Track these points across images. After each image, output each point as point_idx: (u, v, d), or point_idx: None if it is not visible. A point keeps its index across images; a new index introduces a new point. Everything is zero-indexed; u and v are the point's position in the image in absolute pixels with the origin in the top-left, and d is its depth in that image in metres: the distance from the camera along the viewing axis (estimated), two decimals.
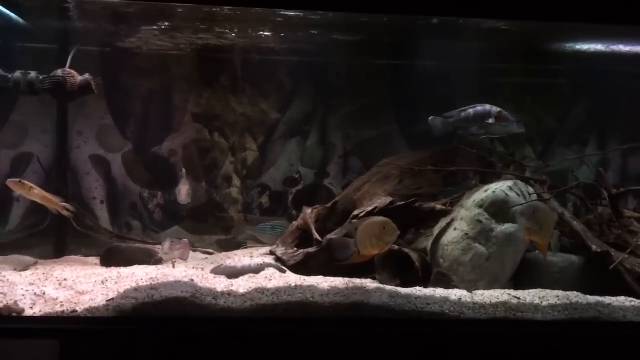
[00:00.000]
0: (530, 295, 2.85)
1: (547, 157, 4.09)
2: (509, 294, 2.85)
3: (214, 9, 3.01)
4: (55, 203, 3.23)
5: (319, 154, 4.13)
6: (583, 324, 2.75)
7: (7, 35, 3.21)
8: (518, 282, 3.12)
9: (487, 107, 3.25)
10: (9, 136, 3.78)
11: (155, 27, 3.46)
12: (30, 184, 3.19)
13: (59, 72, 3.26)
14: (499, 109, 3.25)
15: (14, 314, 2.58)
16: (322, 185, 4.12)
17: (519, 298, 2.80)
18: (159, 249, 3.38)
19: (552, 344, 2.75)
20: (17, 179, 3.18)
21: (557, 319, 2.73)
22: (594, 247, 3.07)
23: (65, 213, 3.28)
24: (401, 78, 4.05)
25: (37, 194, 3.20)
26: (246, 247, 3.92)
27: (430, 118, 3.33)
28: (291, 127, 4.11)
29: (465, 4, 2.70)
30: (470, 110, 3.27)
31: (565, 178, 3.94)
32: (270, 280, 2.95)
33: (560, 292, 2.89)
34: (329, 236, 3.33)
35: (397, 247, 3.10)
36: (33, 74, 3.24)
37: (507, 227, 3.09)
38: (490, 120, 3.21)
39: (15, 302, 2.63)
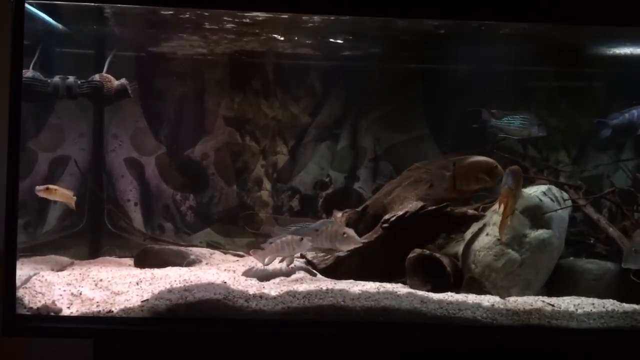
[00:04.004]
0: (565, 303, 2.81)
1: (581, 162, 4.01)
2: (543, 301, 2.81)
3: (245, 15, 3.04)
4: (68, 197, 3.29)
5: (349, 158, 4.13)
6: (619, 333, 2.70)
7: (46, 41, 3.28)
8: (552, 288, 3.07)
9: None
10: (48, 139, 3.87)
11: (188, 34, 3.51)
12: (55, 187, 3.24)
13: (97, 76, 3.34)
14: None
15: (52, 313, 2.64)
16: (352, 189, 4.12)
17: (553, 305, 2.76)
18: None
19: (588, 352, 2.70)
20: (44, 186, 3.21)
21: (593, 327, 2.68)
22: None
23: (69, 204, 3.31)
24: (433, 81, 4.03)
25: (59, 193, 3.25)
26: None
27: (596, 121, 3.27)
28: (322, 131, 4.11)
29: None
30: (635, 111, 3.16)
31: (601, 183, 3.87)
32: (302, 283, 2.96)
33: (595, 300, 2.84)
34: (360, 239, 3.33)
35: (428, 251, 3.09)
36: (71, 78, 3.32)
37: (541, 232, 3.05)
38: None
39: (53, 301, 2.69)
